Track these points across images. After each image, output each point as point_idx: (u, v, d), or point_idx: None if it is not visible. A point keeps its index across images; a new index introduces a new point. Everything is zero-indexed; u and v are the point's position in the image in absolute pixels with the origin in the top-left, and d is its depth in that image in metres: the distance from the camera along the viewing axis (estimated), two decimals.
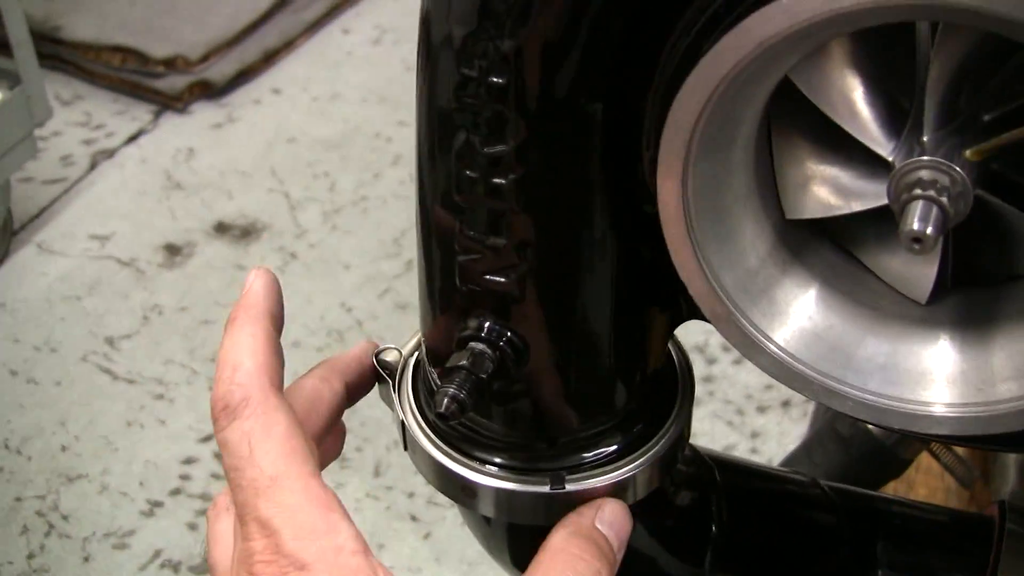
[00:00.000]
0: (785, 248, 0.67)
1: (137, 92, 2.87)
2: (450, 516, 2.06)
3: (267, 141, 2.79)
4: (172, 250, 2.54)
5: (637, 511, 0.78)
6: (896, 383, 0.64)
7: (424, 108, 0.66)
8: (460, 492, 0.76)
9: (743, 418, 2.19)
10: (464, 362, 0.67)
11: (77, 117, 2.84)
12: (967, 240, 0.66)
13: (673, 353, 0.81)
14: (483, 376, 0.67)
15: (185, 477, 2.13)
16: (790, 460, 1.39)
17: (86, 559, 2.01)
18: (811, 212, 0.66)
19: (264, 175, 2.70)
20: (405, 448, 0.79)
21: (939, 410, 0.63)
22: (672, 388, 0.79)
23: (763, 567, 0.94)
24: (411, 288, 2.49)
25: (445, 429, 0.76)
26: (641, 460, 0.75)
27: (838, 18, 0.53)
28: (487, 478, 0.75)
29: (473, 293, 0.69)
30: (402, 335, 2.54)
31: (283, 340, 2.56)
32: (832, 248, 0.69)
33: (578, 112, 0.63)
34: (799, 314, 0.66)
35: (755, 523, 0.94)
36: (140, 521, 2.07)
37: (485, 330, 0.68)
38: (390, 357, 0.80)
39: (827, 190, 0.66)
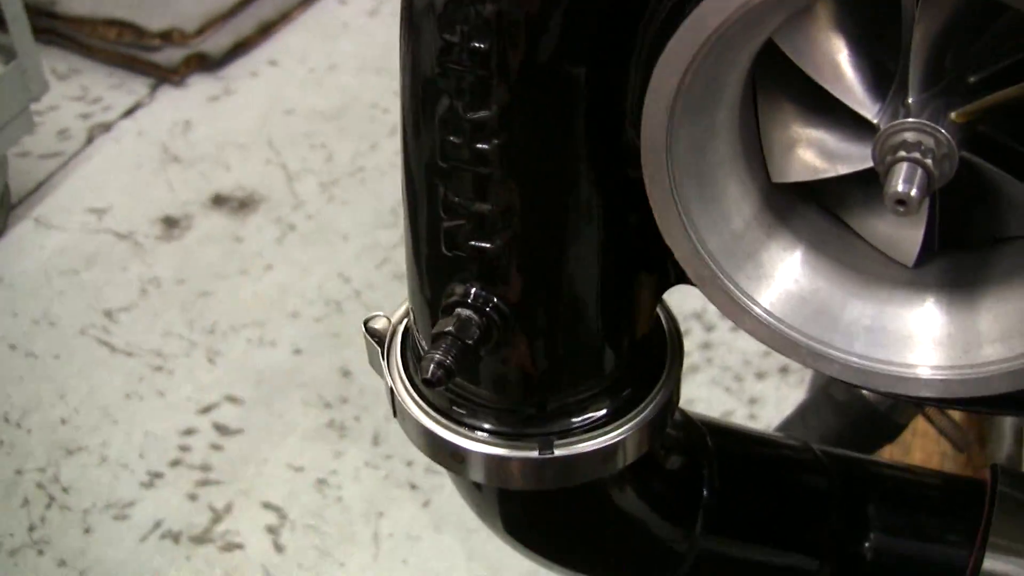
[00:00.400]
0: (771, 211, 0.67)
1: (133, 66, 2.86)
2: (448, 484, 2.05)
3: (264, 113, 2.79)
4: (170, 223, 2.54)
5: (627, 475, 0.78)
6: (882, 345, 0.65)
7: (408, 74, 0.66)
8: (450, 458, 0.77)
9: (741, 384, 2.20)
10: (450, 328, 0.67)
11: (73, 91, 2.84)
12: (953, 203, 0.66)
13: (661, 318, 0.81)
14: (469, 342, 0.67)
15: (184, 448, 2.13)
16: (786, 424, 1.39)
17: (87, 530, 2.02)
18: (797, 175, 0.66)
19: (261, 147, 2.70)
20: (395, 415, 0.80)
21: (925, 372, 0.64)
22: (661, 353, 0.80)
23: (755, 530, 0.94)
24: None
25: (434, 395, 0.76)
26: (630, 425, 0.76)
27: None
28: (476, 444, 0.75)
29: (459, 259, 0.69)
30: (398, 305, 2.55)
31: (282, 310, 2.56)
32: (818, 211, 0.69)
33: (561, 77, 0.63)
34: (785, 277, 0.66)
35: (747, 487, 0.95)
36: (140, 492, 2.07)
37: (471, 296, 0.69)
38: (379, 324, 0.81)
39: (813, 153, 0.66)
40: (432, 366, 0.66)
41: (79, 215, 2.55)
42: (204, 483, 2.09)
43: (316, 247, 2.48)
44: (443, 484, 2.07)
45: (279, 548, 2.00)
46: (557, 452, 0.74)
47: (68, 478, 2.09)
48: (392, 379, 0.78)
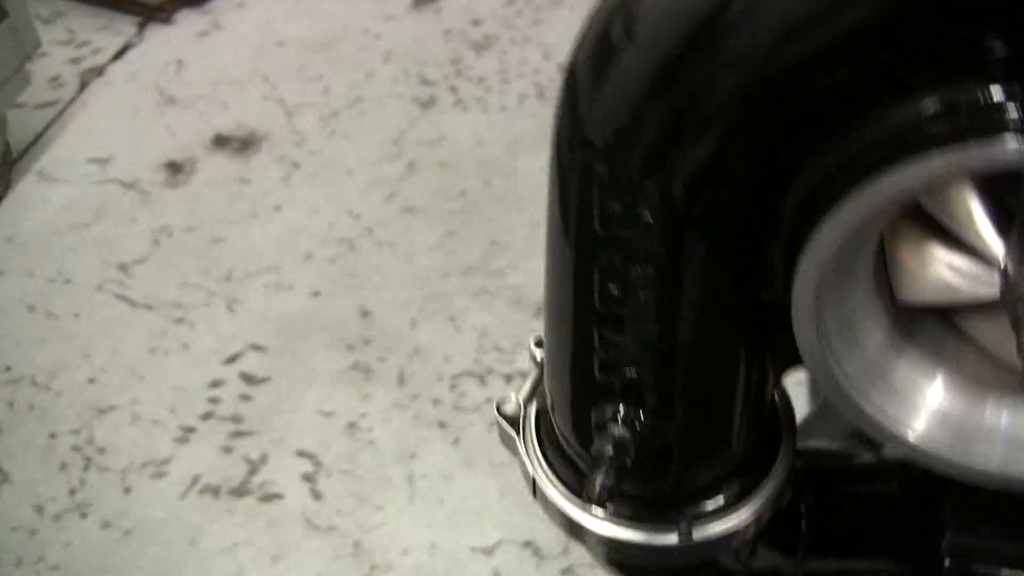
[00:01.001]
0: (896, 330, 0.70)
1: (118, 5, 2.82)
2: (476, 421, 2.11)
3: (255, 46, 2.76)
4: (174, 168, 2.53)
5: None
6: (1020, 451, 0.68)
7: (567, 225, 0.68)
8: (594, 542, 0.81)
9: None
10: (609, 450, 0.70)
11: (60, 35, 2.80)
12: None
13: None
14: (627, 460, 0.70)
15: (214, 400, 2.16)
16: (806, 425, 1.42)
17: (127, 490, 2.05)
18: (925, 297, 0.69)
19: (257, 82, 2.68)
20: (534, 496, 0.83)
21: None
22: (776, 424, 0.83)
23: (847, 546, 0.99)
24: (415, 191, 2.51)
25: (575, 482, 0.80)
26: (758, 502, 0.80)
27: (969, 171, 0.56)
28: (620, 529, 0.79)
29: (610, 383, 0.72)
30: (412, 240, 2.56)
31: (294, 253, 2.57)
32: (935, 319, 0.72)
33: (715, 240, 0.65)
34: (917, 394, 0.70)
35: (836, 507, 0.99)
36: (175, 448, 2.10)
37: (622, 415, 0.72)
38: (510, 409, 0.84)
39: (940, 275, 0.68)
40: (598, 489, 0.69)
41: (82, 166, 2.54)
42: (237, 435, 2.12)
43: (322, 184, 2.48)
44: (471, 422, 2.11)
45: (317, 495, 2.04)
46: (695, 535, 0.78)
47: (102, 438, 2.12)
48: (533, 467, 0.81)
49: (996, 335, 0.70)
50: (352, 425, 2.13)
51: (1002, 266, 0.65)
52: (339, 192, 2.46)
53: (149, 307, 2.30)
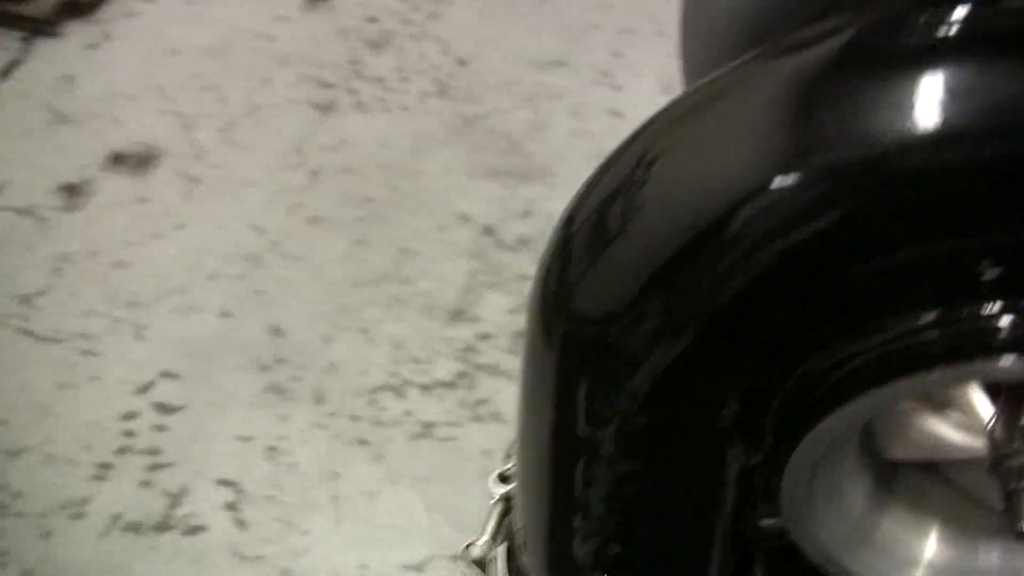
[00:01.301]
0: (879, 486, 0.70)
1: (2, 19, 2.74)
2: (398, 436, 2.09)
3: (148, 56, 2.70)
4: (70, 191, 2.47)
5: None
6: None
7: (547, 423, 0.67)
8: None
9: None
10: None
11: None
12: None
13: None
14: None
15: (128, 433, 2.12)
16: None
17: (46, 535, 2.01)
18: (914, 454, 0.69)
19: (151, 95, 2.63)
20: None
21: None
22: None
23: None
24: (320, 200, 2.48)
25: None
26: None
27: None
28: None
29: (591, 555, 0.71)
30: (319, 252, 2.51)
31: (200, 273, 2.51)
32: (917, 469, 0.71)
33: (703, 432, 0.64)
34: (901, 549, 0.69)
35: None
36: (92, 487, 2.06)
37: None
38: (477, 552, 0.83)
39: (928, 434, 0.68)
40: None
41: None
42: (155, 467, 2.09)
43: (224, 199, 2.44)
44: (392, 437, 2.10)
45: (242, 524, 2.02)
46: None
47: (17, 482, 2.07)
48: None
49: (980, 482, 0.70)
50: (272, 449, 2.10)
51: (989, 430, 0.64)
52: (242, 206, 2.42)
53: (55, 340, 2.25)
